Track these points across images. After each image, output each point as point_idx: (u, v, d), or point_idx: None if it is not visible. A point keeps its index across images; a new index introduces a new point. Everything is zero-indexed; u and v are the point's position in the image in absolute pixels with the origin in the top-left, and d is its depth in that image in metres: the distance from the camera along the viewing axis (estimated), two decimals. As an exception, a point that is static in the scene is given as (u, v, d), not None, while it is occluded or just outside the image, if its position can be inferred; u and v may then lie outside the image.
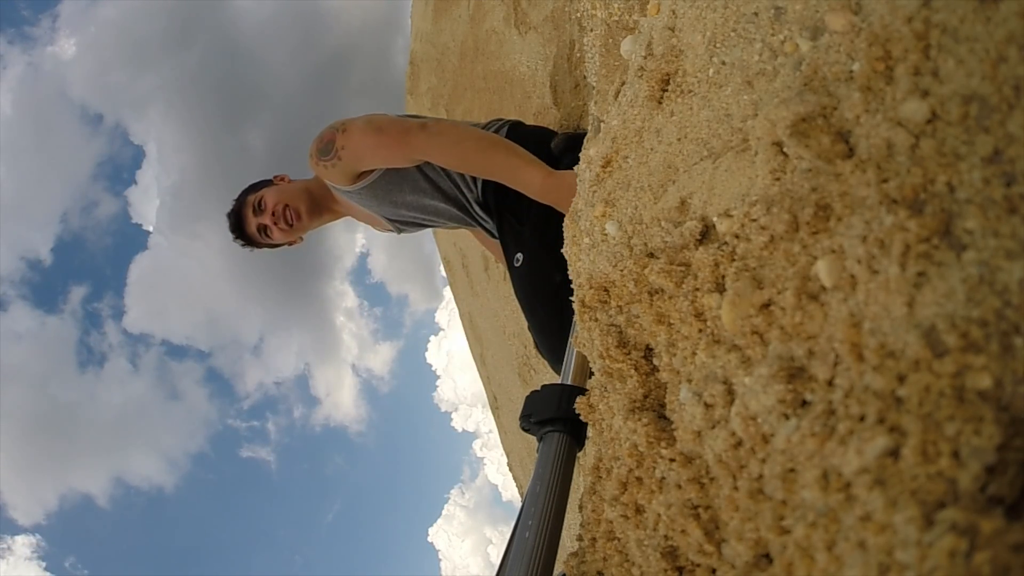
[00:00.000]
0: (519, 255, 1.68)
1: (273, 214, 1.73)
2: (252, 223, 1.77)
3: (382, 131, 1.48)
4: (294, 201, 1.74)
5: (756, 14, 0.61)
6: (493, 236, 1.84)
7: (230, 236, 1.83)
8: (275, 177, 1.82)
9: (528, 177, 1.44)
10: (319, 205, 1.79)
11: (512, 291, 1.79)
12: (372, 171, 1.62)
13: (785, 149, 0.52)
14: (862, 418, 0.42)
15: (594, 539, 0.72)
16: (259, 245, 1.86)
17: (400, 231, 1.89)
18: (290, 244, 1.89)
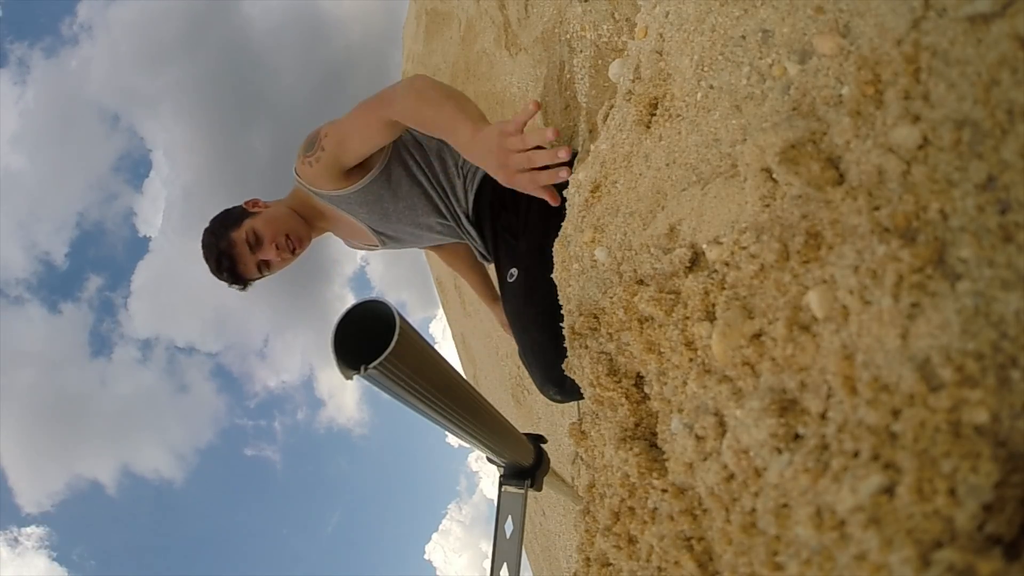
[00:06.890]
0: (513, 270, 1.60)
1: (276, 247, 1.61)
2: (250, 261, 1.63)
3: (360, 107, 1.44)
4: (293, 229, 1.63)
5: (744, 37, 0.60)
6: (481, 254, 1.79)
7: (215, 279, 1.66)
8: (246, 203, 1.69)
9: (459, 133, 1.32)
10: (309, 225, 1.69)
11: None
12: (362, 176, 1.58)
13: (774, 175, 0.51)
14: (856, 454, 0.41)
15: (588, 558, 0.71)
16: (252, 282, 1.71)
17: (384, 244, 1.81)
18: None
